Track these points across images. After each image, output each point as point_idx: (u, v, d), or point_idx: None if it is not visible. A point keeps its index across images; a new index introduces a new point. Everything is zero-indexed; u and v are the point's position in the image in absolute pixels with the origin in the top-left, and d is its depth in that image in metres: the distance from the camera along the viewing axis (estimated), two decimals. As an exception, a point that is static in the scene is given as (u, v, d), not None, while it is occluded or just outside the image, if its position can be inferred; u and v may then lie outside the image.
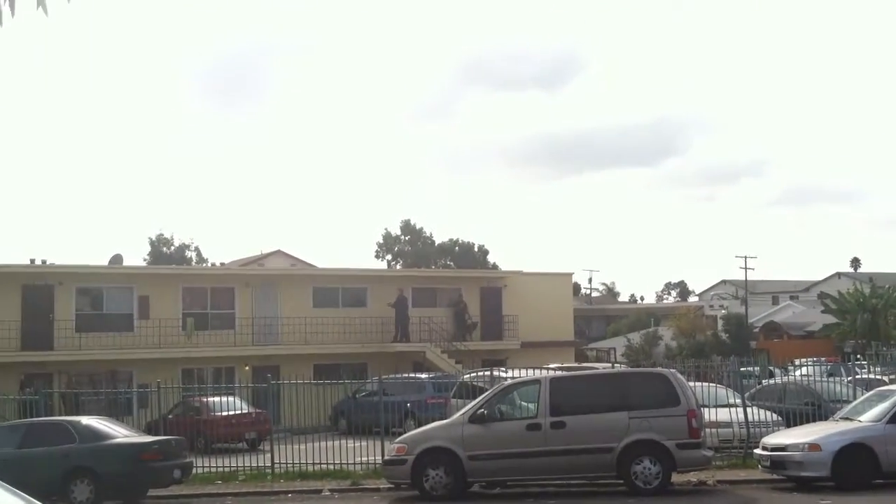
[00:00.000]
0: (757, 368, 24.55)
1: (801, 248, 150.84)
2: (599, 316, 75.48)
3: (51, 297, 33.28)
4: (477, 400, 16.48)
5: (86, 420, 18.17)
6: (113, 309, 34.80)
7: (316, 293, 37.98)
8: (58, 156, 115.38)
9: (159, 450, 17.27)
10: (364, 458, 19.01)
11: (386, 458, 16.83)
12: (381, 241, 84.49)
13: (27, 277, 33.76)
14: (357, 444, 19.69)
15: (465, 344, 37.67)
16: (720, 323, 61.97)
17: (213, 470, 19.67)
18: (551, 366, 24.74)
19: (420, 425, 18.09)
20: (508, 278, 41.94)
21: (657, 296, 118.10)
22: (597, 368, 23.48)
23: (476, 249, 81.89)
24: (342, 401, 26.29)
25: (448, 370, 31.98)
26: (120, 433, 17.83)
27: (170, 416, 22.31)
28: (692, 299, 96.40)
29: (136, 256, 76.14)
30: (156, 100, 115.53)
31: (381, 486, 16.91)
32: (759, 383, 22.39)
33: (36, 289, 33.15)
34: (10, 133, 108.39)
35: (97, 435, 17.37)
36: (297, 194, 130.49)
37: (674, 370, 17.23)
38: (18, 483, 6.58)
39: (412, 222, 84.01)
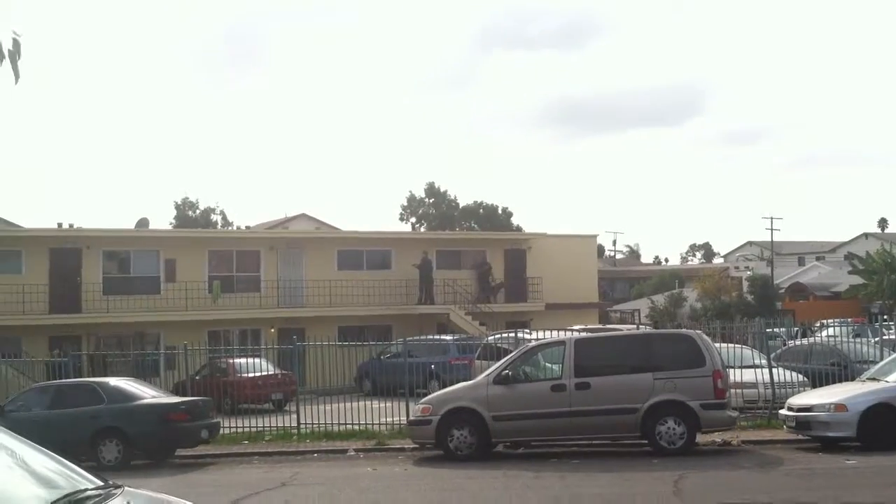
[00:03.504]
0: (782, 329, 24.43)
1: (827, 208, 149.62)
2: (623, 278, 75.34)
3: (78, 261, 33.60)
4: (501, 361, 16.51)
5: (114, 381, 18.37)
6: (140, 272, 35.11)
7: (340, 256, 38.11)
8: (85, 121, 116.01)
9: (186, 410, 17.46)
10: (389, 419, 19.14)
11: (411, 418, 16.93)
12: (405, 204, 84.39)
13: (55, 241, 34.09)
14: (382, 404, 19.82)
15: (488, 306, 37.72)
16: (745, 284, 61.60)
17: (240, 430, 19.88)
18: (575, 327, 24.76)
19: (444, 387, 18.17)
20: (533, 240, 41.84)
21: (682, 257, 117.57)
22: (621, 330, 23.39)
23: (500, 212, 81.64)
24: (367, 362, 26.44)
25: (472, 332, 32.09)
26: (147, 394, 18.03)
27: (196, 378, 22.51)
28: (717, 261, 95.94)
29: (163, 220, 76.73)
30: (182, 63, 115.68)
31: (406, 447, 17.02)
32: (785, 344, 22.28)
33: (64, 252, 33.47)
34: (38, 98, 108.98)
35: (125, 396, 17.57)
36: (321, 158, 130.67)
37: (699, 331, 17.17)
38: (48, 443, 6.62)
39: (436, 185, 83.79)
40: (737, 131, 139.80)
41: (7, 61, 4.85)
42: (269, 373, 24.77)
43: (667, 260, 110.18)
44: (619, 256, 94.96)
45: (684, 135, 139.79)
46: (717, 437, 16.10)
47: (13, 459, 6.14)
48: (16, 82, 4.82)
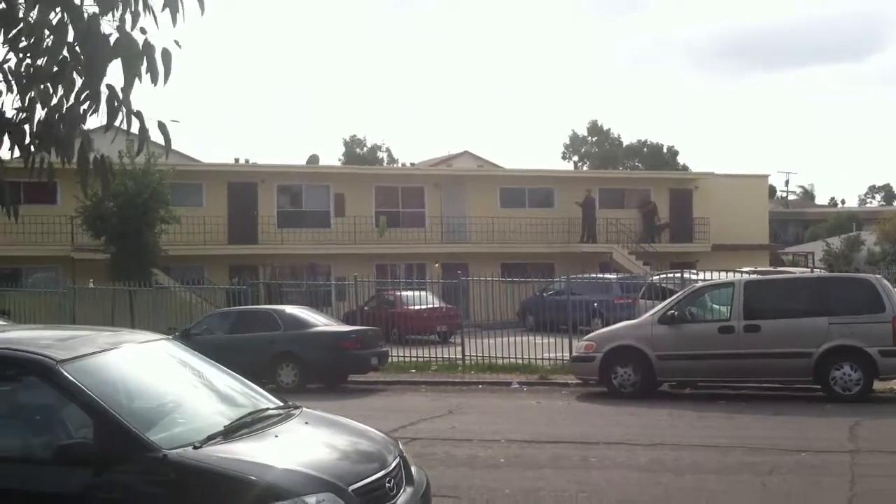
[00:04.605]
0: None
1: None
2: (796, 220, 72.31)
3: (254, 195, 35.12)
4: (667, 301, 16.30)
5: (290, 309, 19.22)
6: (311, 206, 36.38)
7: (503, 194, 38.25)
8: (260, 60, 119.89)
9: (357, 339, 18.12)
10: (551, 355, 19.28)
11: (574, 354, 17.00)
12: (568, 143, 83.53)
13: (233, 176, 35.72)
14: (544, 340, 19.98)
15: (652, 246, 37.13)
16: (929, 228, 57.97)
17: (408, 360, 20.50)
18: (745, 269, 24.06)
19: (607, 325, 18.11)
20: (700, 180, 40.74)
21: (860, 199, 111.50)
22: (793, 273, 22.56)
23: (665, 151, 79.68)
24: (529, 298, 26.60)
25: (635, 272, 31.69)
26: (321, 322, 18.80)
27: (365, 308, 23.27)
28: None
29: (332, 157, 78.79)
30: (351, 2, 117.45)
31: (570, 382, 17.14)
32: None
33: (241, 186, 35.03)
34: (216, 38, 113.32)
35: (300, 323, 18.38)
36: (484, 95, 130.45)
37: (879, 276, 16.40)
38: (230, 365, 7.05)
39: (599, 123, 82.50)
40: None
41: None
42: (435, 306, 25.32)
43: (843, 202, 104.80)
44: (791, 198, 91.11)
45: (866, 70, 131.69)
46: (896, 386, 15.44)
47: (199, 379, 6.58)
48: (202, 14, 4.95)
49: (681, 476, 9.28)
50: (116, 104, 4.81)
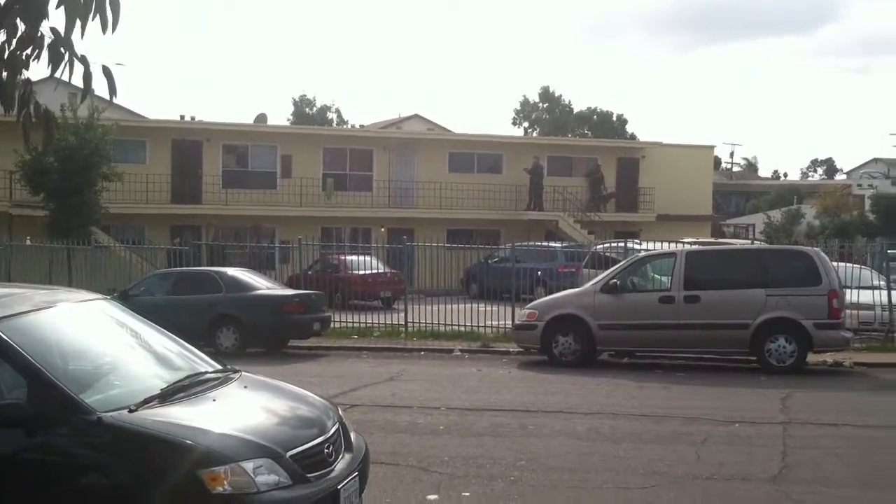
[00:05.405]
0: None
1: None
2: (739, 191, 73.30)
3: (199, 153, 34.61)
4: (610, 270, 16.45)
5: (231, 271, 19.02)
6: (257, 166, 35.98)
7: (452, 158, 38.19)
8: (208, 14, 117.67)
9: (300, 303, 18.01)
10: (494, 322, 19.39)
11: (516, 322, 17.12)
12: (519, 108, 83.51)
13: (177, 133, 35.13)
14: (487, 308, 20.08)
15: (598, 215, 37.42)
16: (868, 203, 59.22)
17: (350, 325, 20.45)
18: (687, 240, 24.37)
19: (550, 293, 18.24)
20: (647, 149, 41.07)
21: (802, 173, 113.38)
22: (734, 245, 22.92)
23: (615, 119, 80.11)
24: (474, 265, 26.69)
25: (580, 240, 31.96)
26: (263, 285, 18.64)
27: (309, 272, 23.13)
28: (839, 177, 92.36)
29: (280, 116, 77.83)
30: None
31: (511, 350, 17.26)
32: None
33: (185, 144, 34.49)
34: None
35: (242, 286, 18.19)
36: (435, 59, 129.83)
37: (817, 249, 16.73)
38: (170, 327, 6.98)
39: (551, 89, 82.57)
40: (871, 38, 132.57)
41: None
42: (379, 271, 25.26)
43: (786, 175, 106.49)
44: (735, 169, 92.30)
45: (814, 44, 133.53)
46: (829, 358, 15.80)
47: (137, 340, 6.49)
48: None
49: (617, 444, 9.42)
50: (61, 50, 4.68)
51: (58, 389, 5.17)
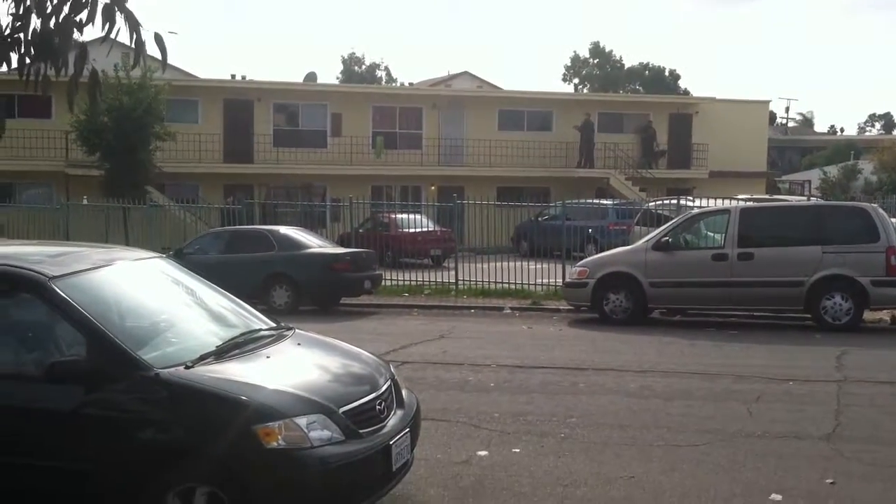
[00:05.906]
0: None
1: None
2: (795, 147, 71.92)
3: (250, 113, 34.81)
4: (662, 227, 16.30)
5: (284, 229, 19.17)
6: (308, 125, 36.10)
7: (501, 116, 37.96)
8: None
9: (351, 261, 18.12)
10: (544, 280, 19.35)
11: (567, 280, 17.05)
12: (569, 64, 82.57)
13: (229, 92, 35.34)
14: (538, 266, 20.04)
15: (650, 172, 37.01)
16: (929, 158, 57.70)
17: (401, 283, 20.56)
18: (741, 197, 24.02)
19: (601, 251, 18.15)
20: (700, 105, 40.41)
21: (859, 127, 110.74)
22: (789, 201, 22.53)
23: (667, 74, 78.88)
24: (524, 223, 26.60)
25: (632, 198, 31.65)
26: (315, 243, 18.78)
27: (360, 230, 23.25)
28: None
29: (330, 75, 77.87)
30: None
31: (561, 307, 17.24)
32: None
33: (237, 104, 34.70)
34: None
35: (294, 244, 18.36)
36: (486, 15, 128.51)
37: (875, 205, 16.39)
38: (223, 285, 7.04)
39: (601, 45, 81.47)
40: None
41: None
42: (430, 229, 25.30)
43: (842, 130, 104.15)
44: (791, 125, 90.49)
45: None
46: (886, 316, 15.55)
47: (192, 298, 6.59)
48: None
49: (669, 402, 9.39)
50: (116, 12, 4.70)
51: (116, 346, 5.27)
